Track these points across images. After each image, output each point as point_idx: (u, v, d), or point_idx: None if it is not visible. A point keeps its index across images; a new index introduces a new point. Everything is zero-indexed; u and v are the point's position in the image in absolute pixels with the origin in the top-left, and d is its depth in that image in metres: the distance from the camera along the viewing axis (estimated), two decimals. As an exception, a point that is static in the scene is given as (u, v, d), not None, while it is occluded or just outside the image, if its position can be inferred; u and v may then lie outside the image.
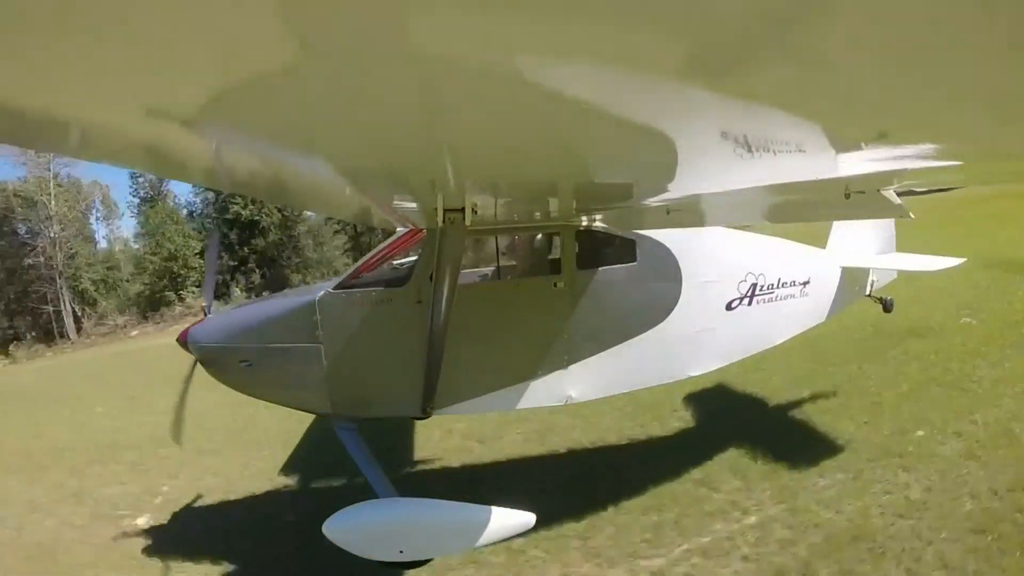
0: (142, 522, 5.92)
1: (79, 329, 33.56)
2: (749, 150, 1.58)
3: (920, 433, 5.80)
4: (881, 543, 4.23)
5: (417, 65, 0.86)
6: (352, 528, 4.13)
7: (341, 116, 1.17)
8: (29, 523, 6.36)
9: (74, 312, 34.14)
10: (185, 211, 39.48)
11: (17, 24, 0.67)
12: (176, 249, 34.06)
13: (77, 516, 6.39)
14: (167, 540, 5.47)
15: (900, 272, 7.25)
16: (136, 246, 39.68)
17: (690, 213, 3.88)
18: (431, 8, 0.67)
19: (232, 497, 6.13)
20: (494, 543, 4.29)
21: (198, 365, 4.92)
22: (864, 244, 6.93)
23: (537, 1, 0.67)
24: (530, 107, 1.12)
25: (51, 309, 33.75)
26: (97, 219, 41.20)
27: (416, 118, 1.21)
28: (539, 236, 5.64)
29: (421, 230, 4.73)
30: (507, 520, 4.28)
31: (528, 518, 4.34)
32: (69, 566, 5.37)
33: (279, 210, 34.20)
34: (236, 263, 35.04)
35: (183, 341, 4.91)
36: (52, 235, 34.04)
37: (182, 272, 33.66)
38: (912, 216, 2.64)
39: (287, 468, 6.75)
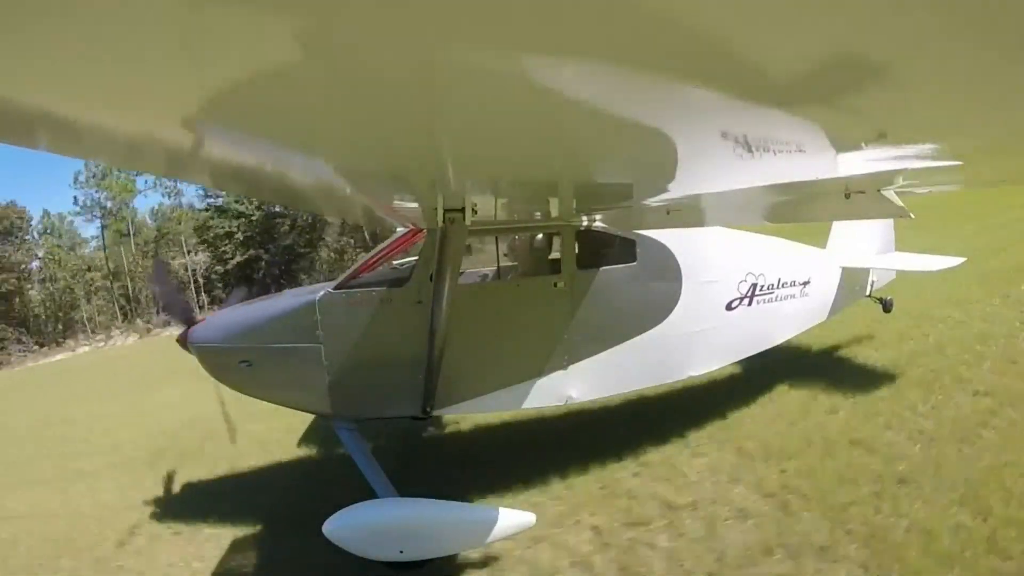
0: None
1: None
2: (749, 150, 1.58)
3: None
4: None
5: (418, 65, 0.86)
6: (352, 528, 4.13)
7: (341, 116, 1.17)
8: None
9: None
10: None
11: (17, 23, 0.67)
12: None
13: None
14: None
15: (900, 272, 7.27)
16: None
17: (690, 213, 3.88)
18: (432, 7, 0.67)
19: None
20: (494, 543, 4.29)
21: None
22: (864, 244, 6.95)
23: (538, 1, 0.67)
24: (530, 107, 1.12)
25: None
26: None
27: (416, 118, 1.21)
28: (539, 236, 5.64)
29: (421, 230, 4.73)
30: (508, 520, 4.28)
31: (528, 518, 4.34)
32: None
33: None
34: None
35: (183, 341, 4.92)
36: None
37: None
38: (912, 216, 2.64)
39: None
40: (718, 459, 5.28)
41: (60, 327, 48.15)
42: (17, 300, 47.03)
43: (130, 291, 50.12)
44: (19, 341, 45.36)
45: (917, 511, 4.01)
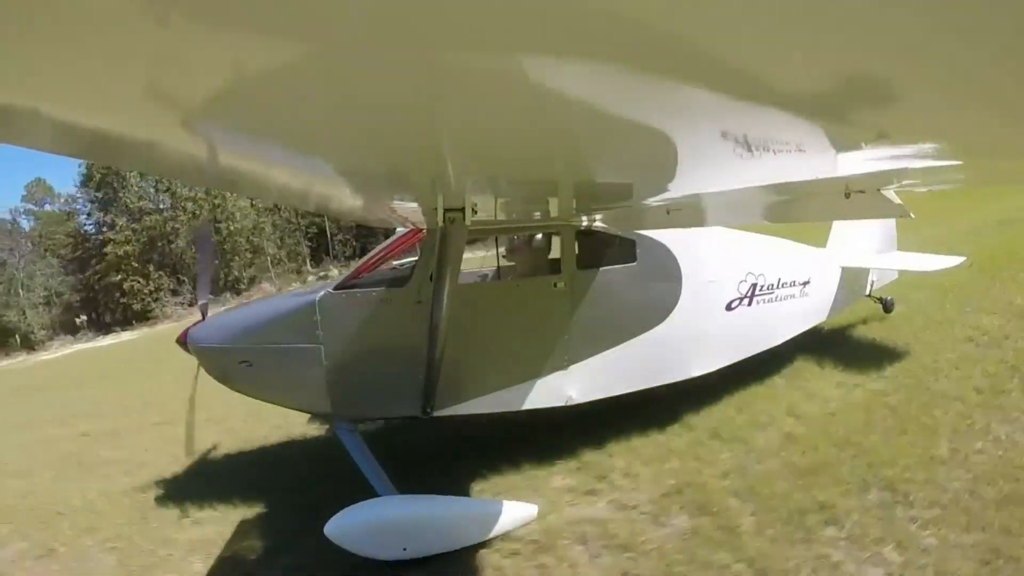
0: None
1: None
2: (749, 150, 1.58)
3: None
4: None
5: (418, 64, 0.86)
6: (354, 528, 4.14)
7: (341, 116, 1.17)
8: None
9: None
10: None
11: (17, 22, 0.67)
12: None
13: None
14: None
15: (901, 272, 7.27)
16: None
17: (690, 213, 3.89)
18: (432, 6, 0.67)
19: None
20: (498, 536, 4.29)
21: (202, 371, 4.94)
22: (864, 244, 6.96)
23: (538, 1, 0.67)
24: (531, 107, 1.12)
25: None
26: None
27: (416, 118, 1.21)
28: (539, 236, 5.64)
29: (421, 230, 4.74)
30: (510, 512, 4.29)
31: (531, 509, 4.35)
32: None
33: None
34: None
35: (183, 342, 4.92)
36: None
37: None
38: (912, 215, 2.65)
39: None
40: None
41: (243, 272, 39.39)
42: (174, 244, 38.55)
43: (327, 230, 41.51)
44: (174, 292, 38.31)
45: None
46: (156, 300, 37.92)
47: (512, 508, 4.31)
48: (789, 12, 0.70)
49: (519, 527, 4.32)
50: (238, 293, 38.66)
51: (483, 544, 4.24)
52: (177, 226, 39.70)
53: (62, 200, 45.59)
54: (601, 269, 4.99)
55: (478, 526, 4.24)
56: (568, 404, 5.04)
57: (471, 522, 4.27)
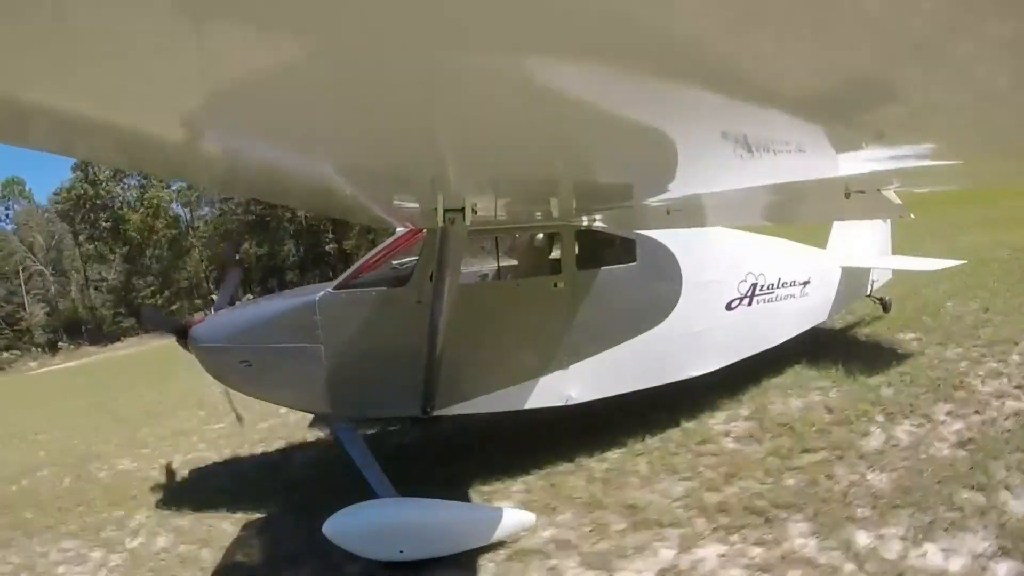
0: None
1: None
2: (749, 150, 1.59)
3: None
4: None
5: (418, 64, 0.86)
6: (352, 528, 4.14)
7: (341, 116, 1.17)
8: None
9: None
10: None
11: (18, 22, 0.67)
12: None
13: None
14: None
15: (897, 272, 7.28)
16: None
17: (690, 213, 3.89)
18: (432, 7, 0.67)
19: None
20: (494, 543, 4.28)
21: None
22: (864, 244, 6.96)
23: (539, 1, 0.67)
24: (530, 107, 1.12)
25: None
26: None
27: (416, 117, 1.21)
28: (539, 236, 5.64)
29: (421, 230, 4.73)
30: (507, 519, 4.28)
31: (528, 517, 4.34)
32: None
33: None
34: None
35: (183, 341, 4.92)
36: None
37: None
38: (912, 216, 2.65)
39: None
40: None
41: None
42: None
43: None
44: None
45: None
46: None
47: (509, 515, 4.30)
48: (789, 13, 0.70)
49: (515, 534, 4.31)
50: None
51: (479, 550, 4.24)
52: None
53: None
54: (601, 269, 4.99)
55: (475, 532, 4.23)
56: (568, 404, 5.04)
57: (468, 527, 4.26)
